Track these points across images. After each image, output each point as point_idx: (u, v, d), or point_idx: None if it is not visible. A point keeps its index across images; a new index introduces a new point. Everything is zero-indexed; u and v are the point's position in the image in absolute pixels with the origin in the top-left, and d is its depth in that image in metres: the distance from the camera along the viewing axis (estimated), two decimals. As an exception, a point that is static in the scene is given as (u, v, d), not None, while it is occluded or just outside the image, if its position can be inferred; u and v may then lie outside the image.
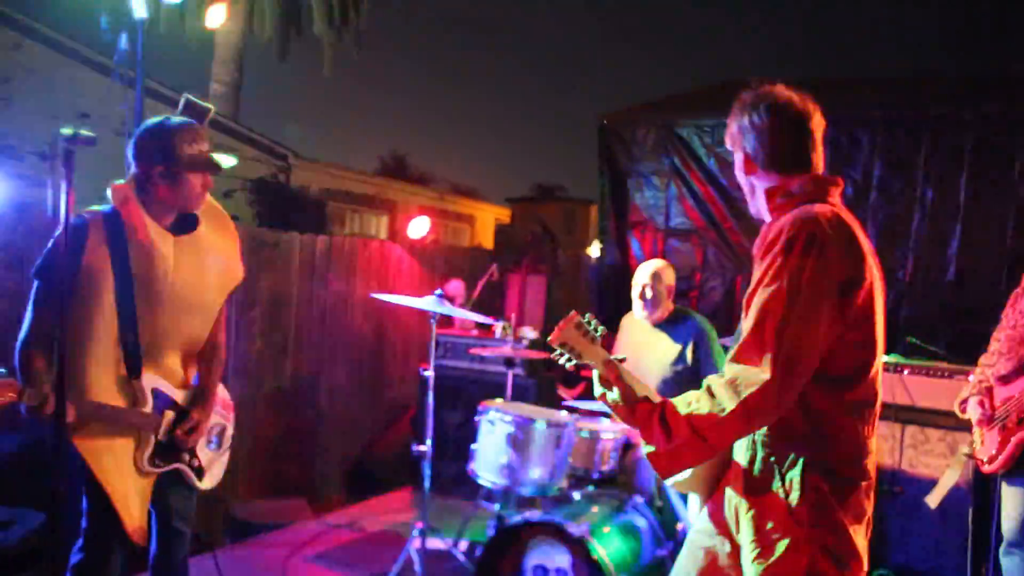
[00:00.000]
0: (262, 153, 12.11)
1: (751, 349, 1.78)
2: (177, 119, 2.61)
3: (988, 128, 5.33)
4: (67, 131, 2.07)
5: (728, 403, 1.76)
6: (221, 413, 2.91)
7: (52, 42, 9.36)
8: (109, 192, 2.59)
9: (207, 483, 2.84)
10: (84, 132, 2.09)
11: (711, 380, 1.83)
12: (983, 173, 5.32)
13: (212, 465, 2.87)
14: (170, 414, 2.68)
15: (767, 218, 2.02)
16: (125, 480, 2.56)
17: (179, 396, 2.71)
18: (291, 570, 4.26)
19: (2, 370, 2.33)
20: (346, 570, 4.26)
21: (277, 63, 15.16)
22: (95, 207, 2.59)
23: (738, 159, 2.05)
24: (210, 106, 2.71)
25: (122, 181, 2.61)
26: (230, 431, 2.97)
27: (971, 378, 3.45)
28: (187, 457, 2.75)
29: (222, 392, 2.92)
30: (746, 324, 1.82)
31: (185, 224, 2.66)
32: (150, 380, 2.62)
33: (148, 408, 2.61)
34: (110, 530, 2.55)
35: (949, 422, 4.03)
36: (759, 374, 1.74)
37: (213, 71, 14.24)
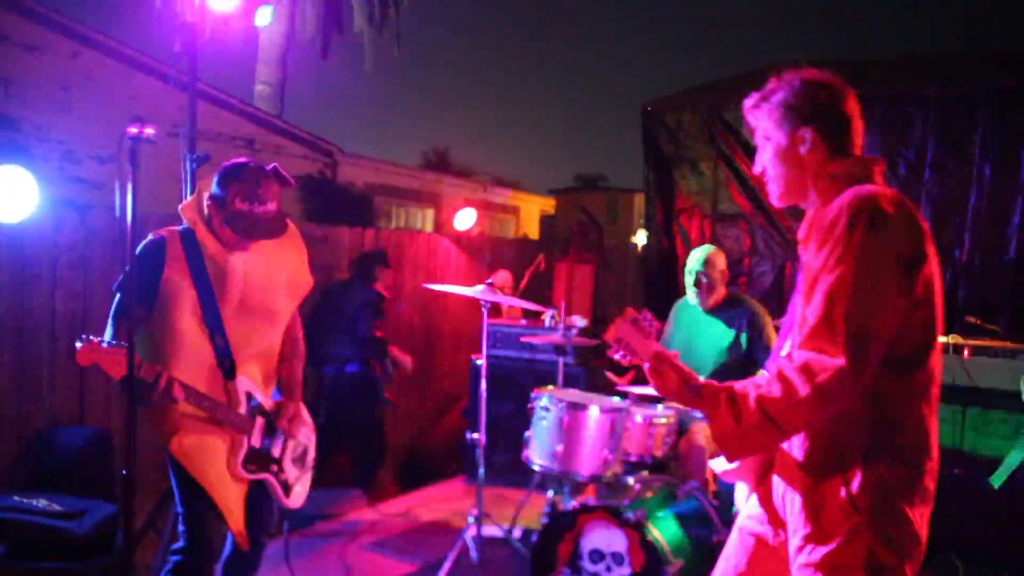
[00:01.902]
0: (308, 150, 12.27)
1: (821, 335, 1.75)
2: (259, 173, 2.66)
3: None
4: (133, 129, 2.15)
5: (801, 388, 1.73)
6: (305, 432, 2.99)
7: (108, 49, 9.60)
8: (181, 211, 2.70)
9: (293, 500, 2.92)
10: (148, 130, 2.17)
11: (781, 365, 1.80)
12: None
13: (297, 483, 2.95)
14: (262, 420, 2.77)
15: (807, 204, 1.99)
16: (225, 483, 2.66)
17: (268, 405, 2.81)
18: (348, 558, 4.33)
19: (113, 341, 2.43)
20: (403, 557, 4.32)
21: (320, 62, 15.37)
22: (173, 227, 2.70)
23: (772, 146, 1.99)
24: (290, 180, 2.78)
25: (189, 200, 2.72)
26: (312, 452, 3.05)
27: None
28: (276, 469, 2.84)
29: (305, 412, 3.00)
30: (812, 310, 1.79)
31: (276, 229, 2.73)
32: (244, 384, 2.72)
33: (243, 410, 2.70)
34: (212, 533, 2.64)
35: (1012, 403, 3.94)
36: (832, 359, 1.72)
37: (258, 72, 14.48)
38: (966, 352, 4.19)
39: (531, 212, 21.36)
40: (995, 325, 4.43)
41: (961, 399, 4.18)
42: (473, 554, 4.02)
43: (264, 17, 4.71)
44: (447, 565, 3.89)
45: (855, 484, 1.80)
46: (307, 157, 12.13)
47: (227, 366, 2.65)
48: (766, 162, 2.01)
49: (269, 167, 2.71)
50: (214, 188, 2.65)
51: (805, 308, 1.84)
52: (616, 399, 3.68)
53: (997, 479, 3.56)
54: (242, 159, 2.70)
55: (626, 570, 3.16)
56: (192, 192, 3.38)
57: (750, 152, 6.22)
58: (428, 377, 6.59)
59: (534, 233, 19.36)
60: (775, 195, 2.03)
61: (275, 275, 2.79)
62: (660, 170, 6.74)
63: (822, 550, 1.81)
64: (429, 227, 15.84)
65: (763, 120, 2.00)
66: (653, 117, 6.72)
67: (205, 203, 2.67)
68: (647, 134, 6.79)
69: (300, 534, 4.67)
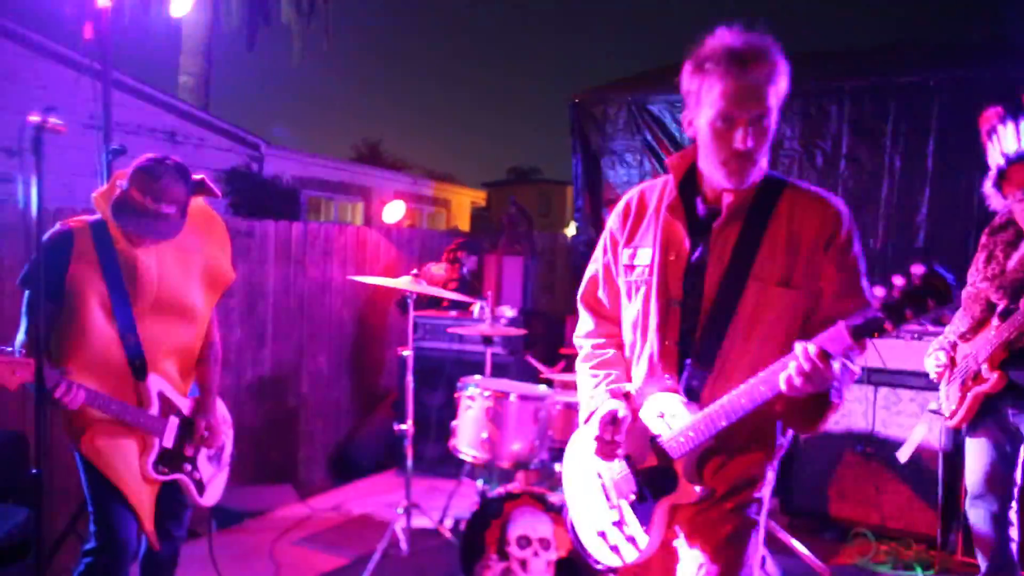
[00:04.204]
0: (233, 143, 12.03)
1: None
2: (167, 170, 2.53)
3: (953, 94, 5.42)
4: (35, 118, 2.07)
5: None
6: (222, 429, 2.93)
7: (16, 36, 9.21)
8: (93, 200, 2.60)
9: (207, 499, 2.86)
10: (53, 120, 2.09)
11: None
12: (949, 140, 5.42)
13: (212, 481, 2.90)
14: (175, 420, 2.70)
15: (735, 184, 1.84)
16: (137, 482, 2.60)
17: (183, 404, 2.74)
18: (277, 553, 4.29)
19: (8, 348, 2.34)
20: (333, 552, 4.29)
21: (246, 53, 15.04)
22: (83, 217, 2.60)
23: (773, 120, 1.80)
24: (217, 192, 2.70)
25: (102, 188, 2.62)
26: (229, 449, 3.00)
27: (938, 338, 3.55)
28: (189, 468, 2.78)
29: (222, 409, 2.95)
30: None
31: (167, 232, 2.62)
32: (156, 383, 2.64)
33: (154, 411, 2.63)
34: (126, 532, 2.58)
35: (920, 382, 4.12)
36: None
37: (181, 63, 14.10)
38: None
39: (463, 204, 21.34)
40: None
41: (873, 379, 4.36)
42: (403, 545, 4.02)
43: (181, 7, 4.57)
44: (376, 557, 3.89)
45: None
46: (232, 150, 11.90)
47: (138, 365, 2.58)
48: (766, 136, 1.80)
49: (197, 176, 2.62)
50: (135, 180, 2.55)
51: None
52: (542, 387, 3.72)
53: (904, 454, 3.73)
54: (163, 155, 2.61)
55: (553, 555, 3.21)
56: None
57: (676, 143, 6.35)
58: (359, 370, 6.55)
59: (466, 225, 19.36)
60: (757, 171, 1.84)
61: (192, 268, 2.71)
62: (588, 162, 6.83)
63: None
64: (359, 220, 15.68)
65: (773, 97, 1.77)
66: (581, 109, 6.80)
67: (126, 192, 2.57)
68: (575, 126, 6.86)
69: (228, 532, 4.60)
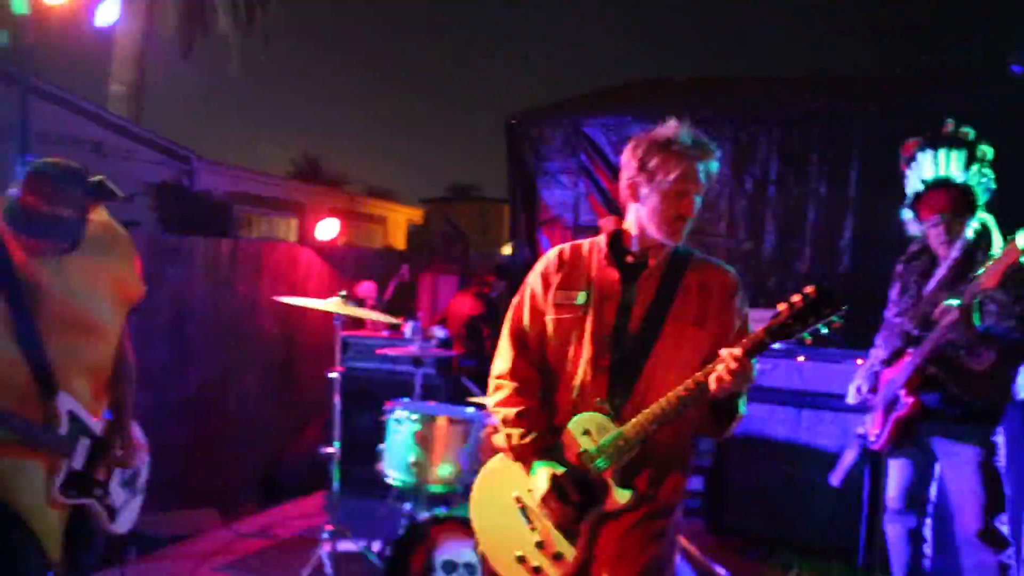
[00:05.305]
0: (163, 156, 11.75)
1: None
2: (61, 172, 2.43)
3: (874, 123, 5.62)
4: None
5: None
6: (137, 456, 2.81)
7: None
8: None
9: (119, 526, 2.74)
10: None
11: None
12: (871, 167, 5.61)
13: (125, 508, 2.78)
14: (86, 441, 2.58)
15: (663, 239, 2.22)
16: (42, 508, 2.46)
17: (95, 425, 2.63)
18: (199, 581, 4.16)
19: None
20: (257, 578, 4.18)
21: (182, 63, 14.76)
22: None
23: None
24: (120, 193, 2.60)
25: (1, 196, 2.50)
26: (144, 475, 2.88)
27: (859, 363, 3.66)
28: (100, 493, 2.66)
29: (137, 433, 2.84)
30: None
31: (65, 235, 2.51)
32: (66, 402, 2.51)
33: (63, 431, 2.51)
34: (25, 567, 2.43)
35: (841, 404, 4.21)
36: None
37: (113, 71, 13.76)
38: (801, 357, 4.47)
39: (399, 222, 21.25)
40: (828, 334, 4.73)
41: (796, 401, 4.45)
42: (328, 571, 3.94)
43: (108, 15, 4.46)
44: (301, 583, 3.80)
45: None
46: (163, 163, 11.61)
47: (45, 383, 2.47)
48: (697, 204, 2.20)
49: (95, 177, 2.53)
50: (29, 183, 2.41)
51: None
52: (470, 409, 3.70)
53: (836, 477, 3.82)
54: (58, 158, 2.51)
55: (478, 579, 3.18)
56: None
57: (610, 165, 6.43)
58: (289, 390, 6.43)
59: (401, 243, 19.26)
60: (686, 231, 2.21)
61: (98, 283, 2.60)
62: (524, 182, 6.86)
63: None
64: (293, 237, 15.46)
65: (712, 174, 2.21)
66: (517, 130, 6.83)
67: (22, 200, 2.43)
68: (511, 147, 6.89)
69: (148, 559, 4.45)
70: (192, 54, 14.84)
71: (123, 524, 2.76)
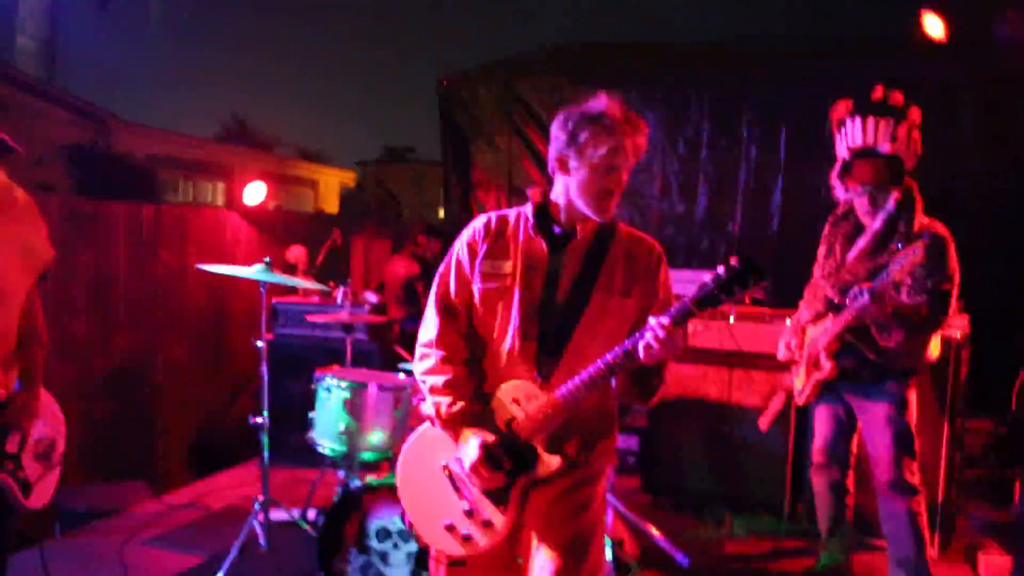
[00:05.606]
0: (77, 116, 11.16)
1: None
2: None
3: (803, 86, 5.69)
4: None
5: None
6: (52, 425, 2.70)
7: None
8: None
9: (34, 501, 2.63)
10: None
11: None
12: (800, 129, 5.69)
13: (40, 481, 2.66)
14: None
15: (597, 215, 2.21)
16: None
17: (1, 395, 2.49)
18: (127, 556, 4.05)
19: None
20: (188, 550, 4.09)
21: (99, 20, 14.08)
22: None
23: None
24: (16, 147, 2.45)
25: None
26: (61, 446, 2.76)
27: (788, 322, 3.74)
28: (12, 466, 2.54)
29: (51, 404, 2.72)
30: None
31: None
32: None
33: None
34: None
35: (771, 364, 4.30)
36: None
37: (19, 22, 13.03)
38: (732, 318, 4.54)
39: (331, 185, 20.83)
40: (758, 295, 4.82)
41: (728, 362, 4.53)
42: (262, 541, 3.88)
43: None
44: (232, 554, 3.73)
45: None
46: (75, 124, 11.04)
47: None
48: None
49: None
50: None
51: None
52: (400, 376, 3.66)
53: (764, 423, 3.95)
54: None
55: (413, 547, 3.17)
56: None
57: (544, 128, 6.38)
58: (220, 359, 6.28)
59: (334, 207, 18.90)
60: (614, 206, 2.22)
61: (2, 249, 2.49)
62: (457, 144, 6.78)
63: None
64: (221, 202, 15.04)
65: (641, 149, 2.19)
66: (449, 92, 6.73)
67: None
68: (444, 109, 6.79)
69: (74, 535, 4.32)
70: (109, 6, 14.18)
71: (38, 499, 2.65)
